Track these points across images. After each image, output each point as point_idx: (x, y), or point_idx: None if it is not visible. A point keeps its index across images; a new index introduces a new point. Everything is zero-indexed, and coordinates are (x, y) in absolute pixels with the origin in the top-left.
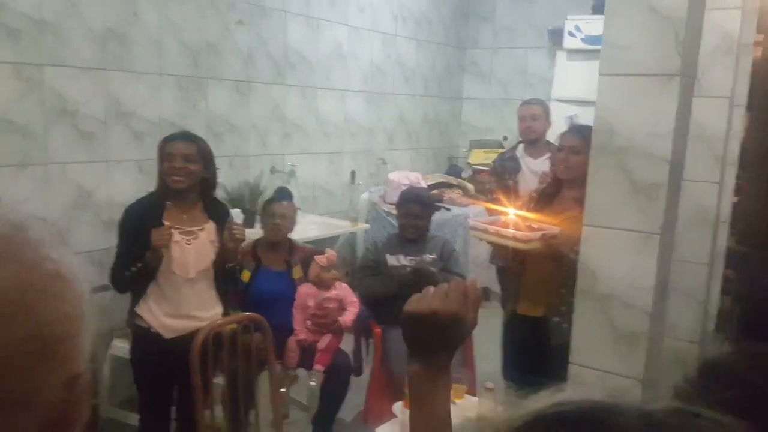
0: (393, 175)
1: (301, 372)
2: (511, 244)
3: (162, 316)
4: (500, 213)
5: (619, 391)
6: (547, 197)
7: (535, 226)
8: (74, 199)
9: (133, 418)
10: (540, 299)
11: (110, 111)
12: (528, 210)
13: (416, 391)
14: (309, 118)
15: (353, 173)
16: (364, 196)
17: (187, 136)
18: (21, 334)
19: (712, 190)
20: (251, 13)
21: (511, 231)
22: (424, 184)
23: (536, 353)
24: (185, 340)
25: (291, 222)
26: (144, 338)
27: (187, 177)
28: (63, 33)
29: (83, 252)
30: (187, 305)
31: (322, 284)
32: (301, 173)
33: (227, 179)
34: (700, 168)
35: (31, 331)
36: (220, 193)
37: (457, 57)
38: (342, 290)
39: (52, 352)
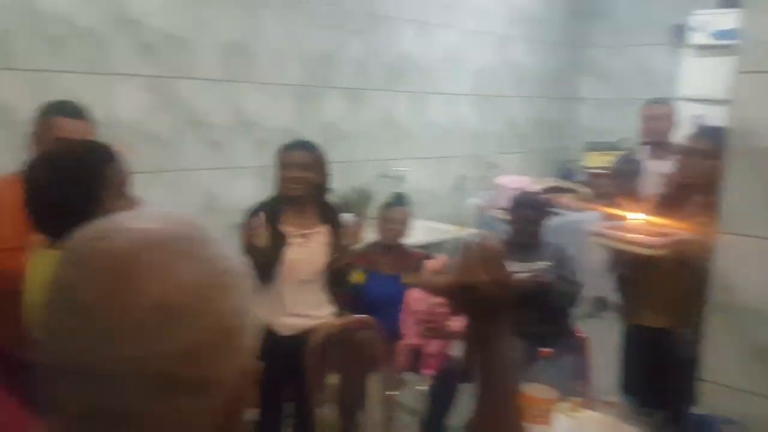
0: (502, 180)
1: (409, 376)
2: (638, 250)
3: (278, 314)
4: (622, 217)
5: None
6: (672, 202)
7: (664, 231)
8: (202, 203)
9: (252, 413)
10: (665, 309)
11: (235, 120)
12: (651, 215)
13: (478, 360)
14: (418, 123)
15: (461, 177)
16: (472, 200)
17: (303, 145)
18: (207, 325)
19: None
20: (366, 22)
21: (639, 236)
22: (534, 188)
23: (659, 366)
24: (300, 338)
25: (405, 227)
26: (262, 335)
27: (303, 185)
28: (193, 47)
29: None
30: (302, 305)
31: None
32: (409, 178)
33: (338, 185)
34: None
35: (215, 323)
36: (331, 198)
37: (572, 56)
38: None
39: (230, 342)
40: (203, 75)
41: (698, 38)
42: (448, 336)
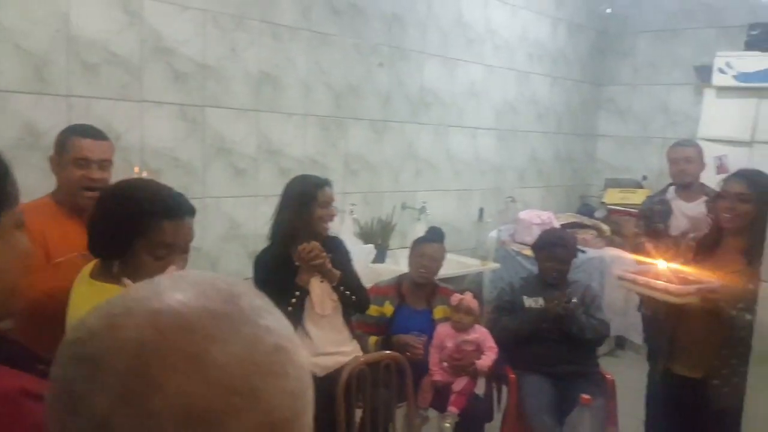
0: (524, 214)
1: (432, 413)
2: (662, 297)
3: (311, 355)
4: (649, 262)
5: None
6: (707, 247)
7: (692, 278)
8: (226, 230)
9: None
10: (698, 359)
11: (261, 149)
12: (686, 260)
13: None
14: (440, 155)
15: (482, 211)
16: (492, 234)
17: (328, 183)
18: (250, 424)
19: None
20: (391, 56)
21: (662, 283)
22: (556, 224)
23: (691, 418)
24: (332, 377)
25: (439, 264)
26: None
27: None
28: (223, 77)
29: None
30: (330, 342)
31: (460, 326)
32: (431, 210)
33: (361, 215)
34: None
35: (260, 420)
36: (354, 228)
37: (593, 94)
38: (481, 334)
39: None
40: (232, 104)
41: (722, 80)
42: (475, 374)
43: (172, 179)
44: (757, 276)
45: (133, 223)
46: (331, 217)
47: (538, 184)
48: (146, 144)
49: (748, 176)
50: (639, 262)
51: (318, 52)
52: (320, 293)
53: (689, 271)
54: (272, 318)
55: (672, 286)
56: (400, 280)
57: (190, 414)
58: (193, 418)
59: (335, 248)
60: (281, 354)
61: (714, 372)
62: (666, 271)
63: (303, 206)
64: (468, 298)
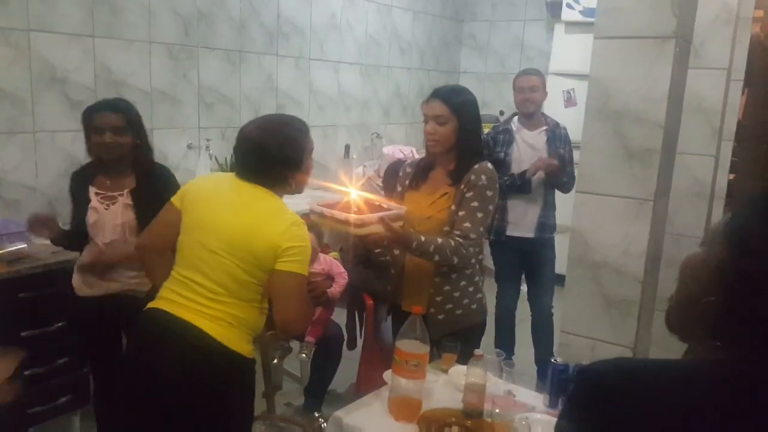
0: (387, 149)
1: (294, 344)
2: (345, 229)
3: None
4: (345, 193)
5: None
6: (421, 173)
7: (384, 207)
8: (64, 168)
9: None
10: (417, 292)
11: (100, 79)
12: (403, 188)
13: None
14: (303, 89)
15: (348, 147)
16: (359, 170)
17: (114, 106)
18: None
19: (708, 164)
20: None
21: (343, 214)
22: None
23: None
24: (109, 300)
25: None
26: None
27: (117, 149)
28: None
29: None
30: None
31: None
32: None
33: (219, 150)
34: (697, 141)
35: None
36: (212, 164)
37: (454, 30)
38: (326, 263)
39: None
40: (62, 29)
41: (570, 15)
42: (328, 303)
43: None
44: (462, 195)
45: (307, 141)
46: (104, 147)
47: (403, 120)
48: None
49: (443, 96)
50: (335, 191)
51: None
52: (100, 220)
53: (378, 199)
54: None
55: (352, 217)
56: None
57: None
58: None
59: (158, 179)
60: None
61: (431, 302)
62: (357, 200)
63: (85, 132)
64: None
